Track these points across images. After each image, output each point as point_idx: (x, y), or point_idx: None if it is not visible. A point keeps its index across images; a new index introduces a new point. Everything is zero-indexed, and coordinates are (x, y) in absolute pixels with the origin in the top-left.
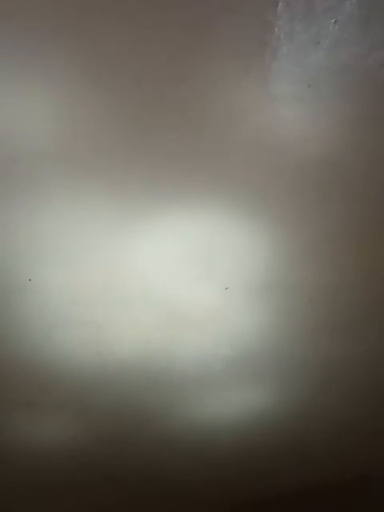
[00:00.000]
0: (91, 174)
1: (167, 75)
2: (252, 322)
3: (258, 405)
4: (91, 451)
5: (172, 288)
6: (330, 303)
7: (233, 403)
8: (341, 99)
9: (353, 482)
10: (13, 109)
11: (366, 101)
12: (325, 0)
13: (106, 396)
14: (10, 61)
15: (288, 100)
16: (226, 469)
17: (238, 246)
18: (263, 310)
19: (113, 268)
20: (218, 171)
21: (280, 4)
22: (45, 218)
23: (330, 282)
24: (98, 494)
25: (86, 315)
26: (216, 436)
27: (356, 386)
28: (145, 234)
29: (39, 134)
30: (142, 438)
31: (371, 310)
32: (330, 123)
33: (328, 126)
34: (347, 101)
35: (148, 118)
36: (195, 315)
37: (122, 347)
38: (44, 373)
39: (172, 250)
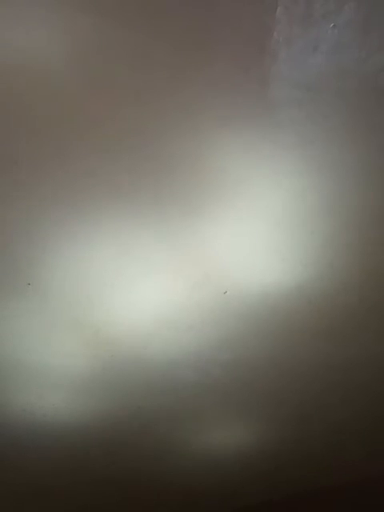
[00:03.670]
0: (91, 178)
1: (167, 80)
2: (251, 326)
3: (258, 408)
4: (89, 454)
5: (171, 292)
6: (329, 307)
7: (232, 407)
8: (339, 103)
9: (353, 485)
10: (13, 110)
11: (364, 105)
12: (323, 5)
13: (104, 399)
14: (10, 68)
15: (287, 104)
16: (225, 472)
17: (237, 249)
18: (262, 314)
19: (111, 271)
20: (216, 175)
21: (279, 8)
22: (44, 221)
23: (328, 286)
24: (96, 497)
25: (85, 319)
26: (215, 439)
27: (356, 389)
28: (144, 239)
29: (39, 135)
30: (140, 441)
31: (370, 314)
32: (328, 127)
33: (327, 130)
34: (346, 105)
35: (147, 123)
36: (194, 319)
37: (121, 351)
38: (42, 376)
39: (170, 255)
